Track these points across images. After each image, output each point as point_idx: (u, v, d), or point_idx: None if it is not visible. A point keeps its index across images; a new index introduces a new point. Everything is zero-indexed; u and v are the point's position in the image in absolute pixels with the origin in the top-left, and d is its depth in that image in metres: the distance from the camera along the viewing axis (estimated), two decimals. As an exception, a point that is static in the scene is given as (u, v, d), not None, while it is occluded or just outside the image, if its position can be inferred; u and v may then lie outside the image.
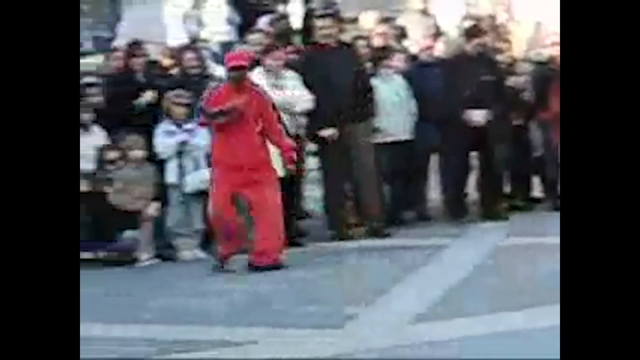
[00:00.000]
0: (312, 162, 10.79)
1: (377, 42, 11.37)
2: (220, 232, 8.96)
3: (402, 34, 12.18)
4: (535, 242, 9.19)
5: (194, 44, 11.63)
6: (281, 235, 8.88)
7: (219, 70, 10.56)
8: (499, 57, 11.27)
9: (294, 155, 9.16)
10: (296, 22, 14.28)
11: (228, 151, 8.80)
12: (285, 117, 9.75)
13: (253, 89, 9.03)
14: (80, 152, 9.48)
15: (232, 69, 8.94)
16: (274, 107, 9.09)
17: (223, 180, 8.83)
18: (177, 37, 12.87)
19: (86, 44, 15.83)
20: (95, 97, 10.07)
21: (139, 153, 9.71)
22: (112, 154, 9.76)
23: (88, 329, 6.88)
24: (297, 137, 9.99)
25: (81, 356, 5.15)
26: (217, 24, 14.76)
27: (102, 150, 9.79)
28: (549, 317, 5.98)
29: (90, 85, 10.19)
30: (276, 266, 8.74)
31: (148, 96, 10.15)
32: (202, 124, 9.23)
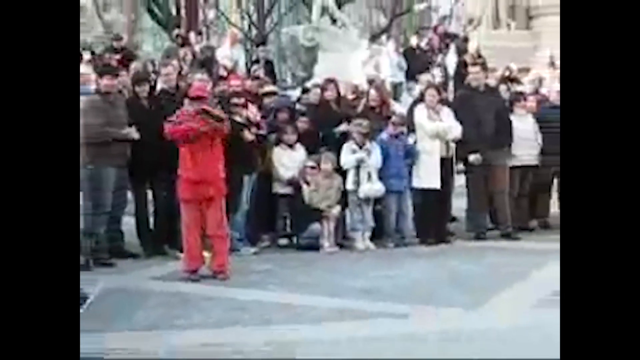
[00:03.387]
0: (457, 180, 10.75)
1: (515, 87, 11.44)
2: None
3: (540, 81, 12.19)
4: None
5: (372, 83, 11.84)
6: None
7: (397, 106, 10.69)
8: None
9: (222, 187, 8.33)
10: (451, 68, 14.55)
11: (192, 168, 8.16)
12: (439, 142, 9.91)
13: (210, 115, 8.26)
14: (286, 164, 9.90)
15: (195, 98, 8.30)
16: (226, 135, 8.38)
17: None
18: (358, 77, 13.28)
19: (288, 80, 16.51)
20: (301, 121, 10.16)
21: (329, 166, 9.80)
22: (309, 163, 9.89)
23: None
24: (447, 159, 10.02)
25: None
26: (389, 69, 15.15)
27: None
28: None
29: (298, 112, 10.39)
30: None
31: (343, 127, 10.15)
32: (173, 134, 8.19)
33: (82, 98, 9.33)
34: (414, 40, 18.40)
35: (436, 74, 12.15)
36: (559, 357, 4.11)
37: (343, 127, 10.15)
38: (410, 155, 9.99)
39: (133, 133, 8.99)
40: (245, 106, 9.58)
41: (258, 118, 9.83)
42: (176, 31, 17.44)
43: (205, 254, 8.38)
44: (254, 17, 31.68)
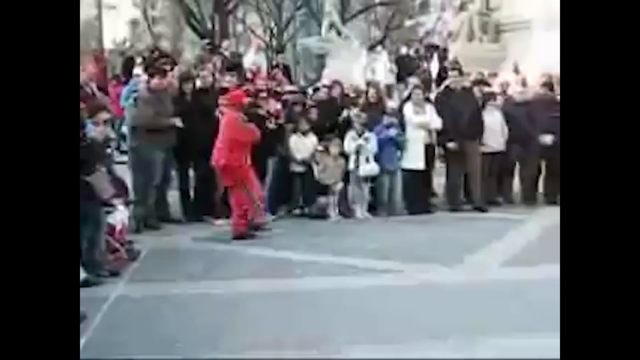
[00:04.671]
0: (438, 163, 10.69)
1: (485, 89, 11.33)
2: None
3: (506, 84, 12.10)
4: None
5: (370, 84, 11.75)
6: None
7: (389, 103, 10.55)
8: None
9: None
10: (434, 73, 14.46)
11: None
12: (423, 132, 9.89)
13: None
14: (300, 148, 9.90)
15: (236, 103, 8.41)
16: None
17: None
18: (359, 79, 13.20)
19: (301, 81, 16.41)
20: (313, 114, 10.10)
21: (336, 149, 9.77)
22: (319, 148, 9.86)
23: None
24: (430, 145, 10.00)
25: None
26: (383, 73, 15.06)
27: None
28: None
29: (310, 106, 10.29)
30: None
31: (344, 114, 10.10)
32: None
33: (136, 94, 9.40)
34: (403, 50, 18.26)
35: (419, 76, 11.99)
36: (557, 355, 3.33)
37: (345, 113, 10.09)
38: (400, 142, 9.92)
39: (178, 122, 8.96)
40: (269, 101, 9.54)
41: (278, 111, 9.79)
42: (205, 41, 17.29)
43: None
44: (275, 30, 31.71)
